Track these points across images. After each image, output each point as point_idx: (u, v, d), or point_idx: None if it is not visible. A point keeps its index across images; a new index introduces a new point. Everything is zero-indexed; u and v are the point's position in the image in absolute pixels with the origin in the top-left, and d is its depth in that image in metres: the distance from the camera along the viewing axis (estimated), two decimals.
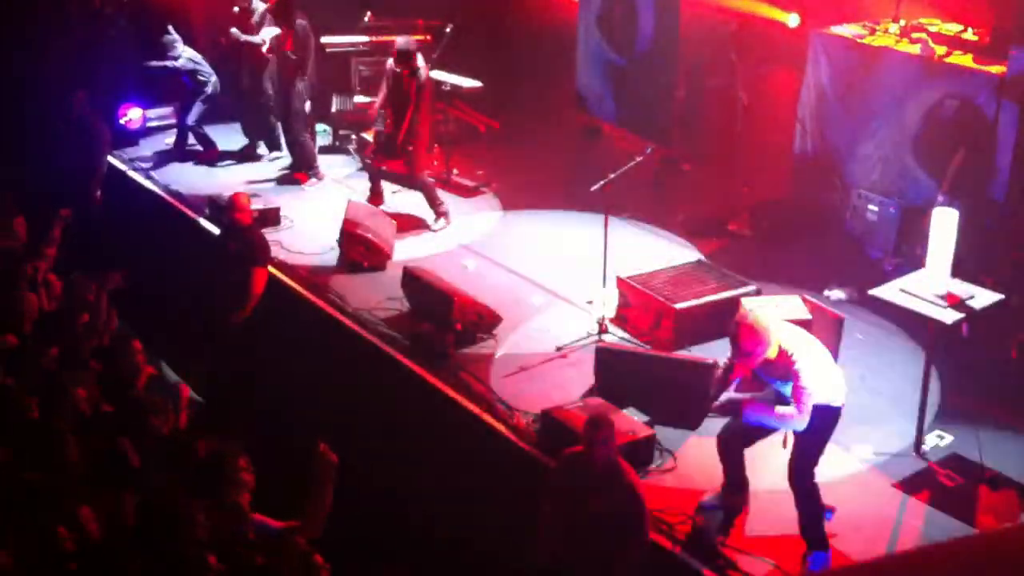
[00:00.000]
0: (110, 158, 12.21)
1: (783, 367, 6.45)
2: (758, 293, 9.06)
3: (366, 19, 13.34)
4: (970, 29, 10.31)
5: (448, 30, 12.34)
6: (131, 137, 13.03)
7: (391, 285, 9.74)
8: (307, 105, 11.91)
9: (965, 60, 9.86)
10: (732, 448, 7.02)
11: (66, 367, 7.34)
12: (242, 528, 5.87)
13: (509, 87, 12.82)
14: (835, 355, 7.54)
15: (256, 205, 10.45)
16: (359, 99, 12.87)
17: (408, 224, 11.03)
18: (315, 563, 5.56)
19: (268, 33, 11.94)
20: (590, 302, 9.45)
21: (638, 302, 9.13)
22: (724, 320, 7.03)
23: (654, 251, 10.42)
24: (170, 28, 12.51)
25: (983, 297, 7.62)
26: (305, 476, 6.02)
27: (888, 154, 10.30)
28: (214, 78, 12.59)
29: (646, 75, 12.40)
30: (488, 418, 8.07)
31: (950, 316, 7.42)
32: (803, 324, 7.42)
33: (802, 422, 6.46)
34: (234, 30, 12.11)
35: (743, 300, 8.64)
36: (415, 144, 10.86)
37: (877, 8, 11.02)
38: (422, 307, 9.31)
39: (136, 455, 6.29)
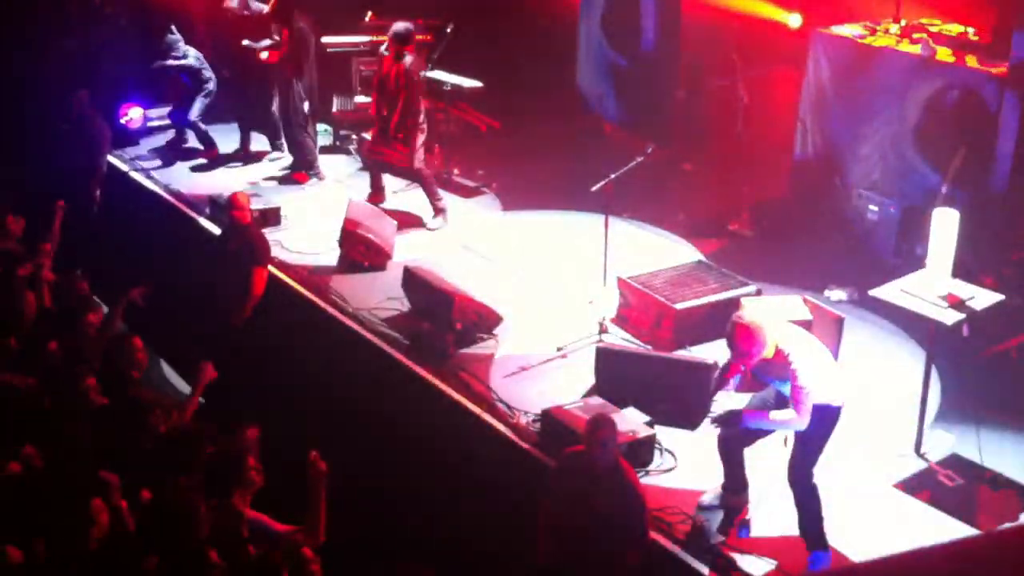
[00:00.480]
0: (110, 157, 12.21)
1: (781, 367, 6.45)
2: (758, 293, 9.06)
3: (367, 19, 13.34)
4: (971, 30, 10.30)
5: (448, 30, 12.33)
6: (131, 136, 13.03)
7: (391, 285, 9.73)
8: (305, 105, 11.91)
9: (967, 61, 9.86)
10: (732, 448, 7.02)
11: (70, 364, 7.36)
12: (236, 525, 5.88)
13: (510, 87, 12.82)
14: (835, 355, 7.55)
15: (257, 205, 10.46)
16: (360, 99, 12.87)
17: (409, 223, 11.03)
18: (307, 559, 5.58)
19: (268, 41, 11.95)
20: (591, 302, 9.45)
21: (638, 302, 9.12)
22: (724, 321, 7.02)
23: (654, 251, 10.42)
24: (173, 28, 12.52)
25: (983, 297, 7.62)
26: (302, 479, 6.03)
27: (889, 154, 10.29)
28: (213, 76, 12.60)
29: (647, 76, 12.42)
30: (488, 418, 8.06)
31: (950, 316, 7.41)
32: (803, 324, 7.42)
33: (802, 423, 6.46)
34: (246, 41, 12.08)
35: (743, 300, 8.64)
36: (409, 133, 10.84)
37: (878, 8, 11.02)
38: (422, 307, 9.31)
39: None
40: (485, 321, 9.05)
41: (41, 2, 12.88)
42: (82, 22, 12.90)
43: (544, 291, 9.83)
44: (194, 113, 12.58)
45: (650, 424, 7.70)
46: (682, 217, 11.27)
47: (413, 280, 9.43)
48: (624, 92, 12.71)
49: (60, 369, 7.25)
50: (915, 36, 10.33)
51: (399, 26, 10.88)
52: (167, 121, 13.27)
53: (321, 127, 12.96)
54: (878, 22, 10.82)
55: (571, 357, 8.81)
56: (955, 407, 8.14)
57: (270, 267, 9.52)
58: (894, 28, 10.61)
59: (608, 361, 8.29)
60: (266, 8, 12.09)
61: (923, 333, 7.97)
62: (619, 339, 8.99)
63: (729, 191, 11.59)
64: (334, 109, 13.03)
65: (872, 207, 10.30)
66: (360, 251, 10.22)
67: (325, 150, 12.73)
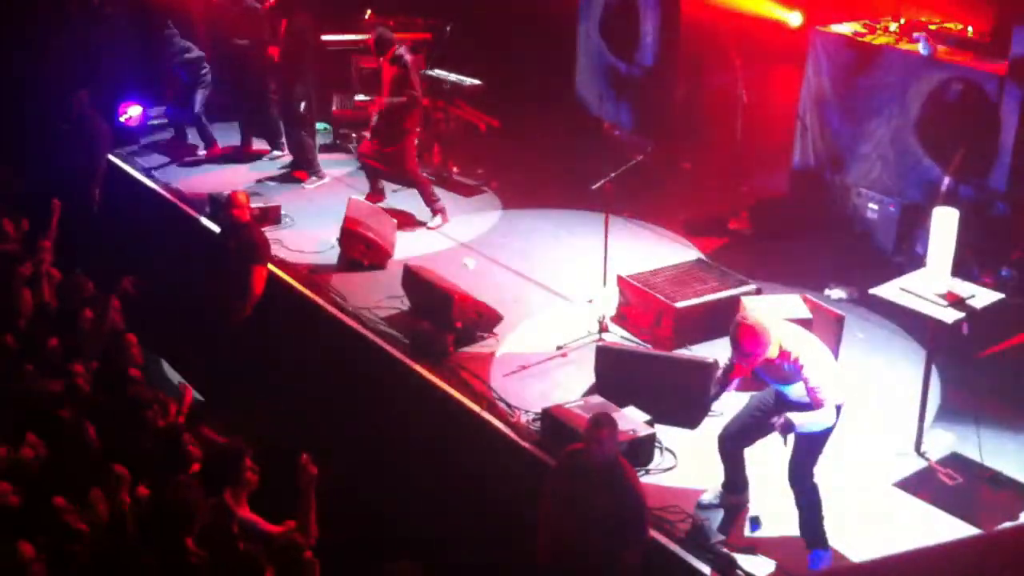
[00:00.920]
0: (110, 156, 12.21)
1: (784, 368, 6.45)
2: (758, 292, 9.06)
3: (366, 17, 13.33)
4: (970, 28, 10.30)
5: (448, 28, 12.32)
6: (131, 135, 13.03)
7: (391, 283, 9.74)
8: (303, 104, 11.90)
9: (966, 59, 9.87)
10: (732, 447, 7.02)
11: (69, 361, 7.39)
12: (227, 523, 5.90)
13: (510, 85, 12.82)
14: (835, 354, 7.55)
15: (257, 203, 10.46)
16: (359, 97, 12.87)
17: (409, 222, 11.03)
18: (306, 559, 5.60)
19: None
20: (591, 301, 9.45)
21: (638, 301, 9.12)
22: (724, 319, 7.02)
23: (654, 250, 10.42)
24: (169, 23, 12.52)
25: (983, 296, 7.62)
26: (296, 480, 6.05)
27: (889, 152, 10.29)
28: (208, 67, 12.62)
29: (647, 78, 12.42)
30: (488, 417, 8.06)
31: (950, 315, 7.42)
32: (803, 323, 7.42)
33: (832, 418, 6.46)
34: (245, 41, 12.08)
35: (744, 299, 8.64)
36: (404, 137, 10.84)
37: (877, 7, 11.02)
38: (422, 305, 9.31)
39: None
40: (485, 320, 9.05)
41: (41, 2, 12.87)
42: (82, 22, 12.88)
43: (544, 290, 9.83)
44: (197, 106, 12.59)
45: (650, 423, 7.70)
46: (682, 216, 11.25)
47: (413, 279, 9.43)
48: (624, 94, 12.71)
49: (59, 364, 7.29)
50: (915, 35, 10.33)
51: (376, 33, 10.92)
52: (167, 119, 13.28)
53: (321, 125, 12.96)
54: (877, 20, 10.82)
55: (571, 356, 8.81)
56: (955, 405, 8.14)
57: (270, 266, 9.51)
58: (893, 26, 10.61)
59: (608, 360, 8.29)
60: (257, 4, 12.10)
61: (923, 332, 7.97)
62: (619, 338, 8.99)
63: (729, 190, 11.60)
64: (334, 108, 13.02)
65: (872, 205, 10.31)
66: (360, 250, 10.22)
67: (325, 148, 12.73)
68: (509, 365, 8.70)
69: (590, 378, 8.36)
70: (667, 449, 7.69)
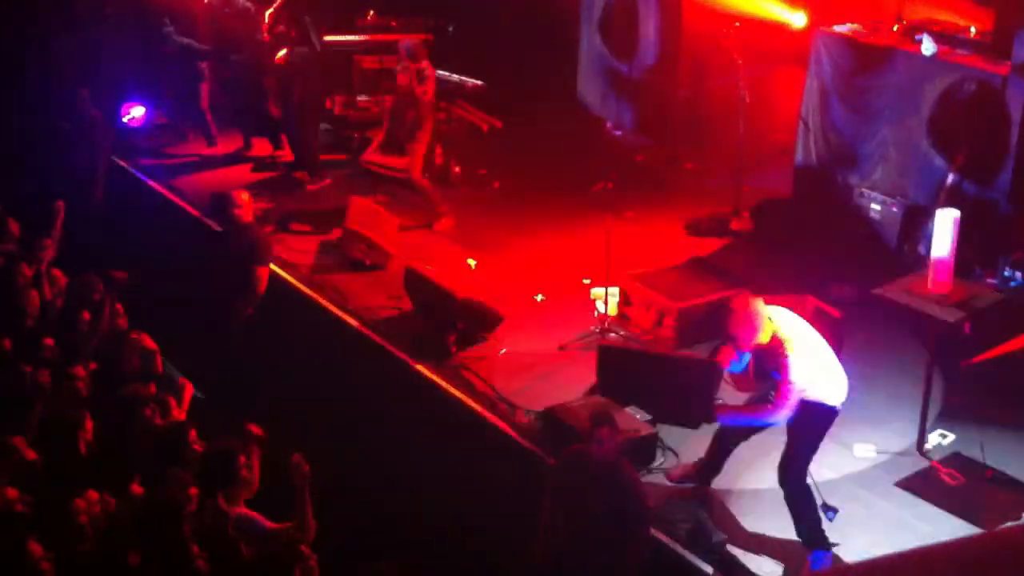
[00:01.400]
0: (112, 156, 12.21)
1: (775, 356, 6.44)
2: (760, 292, 9.03)
3: (368, 17, 13.34)
4: (973, 27, 10.29)
5: (450, 29, 12.32)
6: (134, 135, 13.04)
7: (393, 284, 9.74)
8: (303, 105, 11.91)
9: (972, 59, 9.86)
10: (726, 437, 7.09)
11: (69, 362, 7.39)
12: (220, 524, 5.89)
13: (512, 86, 12.81)
14: (837, 354, 7.53)
15: (258, 204, 10.46)
16: (361, 98, 12.86)
17: (410, 222, 11.02)
18: (305, 557, 5.59)
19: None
20: (591, 300, 9.44)
21: (640, 301, 9.12)
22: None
23: (656, 250, 10.41)
24: (167, 20, 12.54)
25: (985, 296, 7.61)
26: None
27: (892, 152, 10.28)
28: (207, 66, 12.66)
29: (648, 80, 12.41)
30: (490, 416, 8.06)
31: (952, 314, 7.40)
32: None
33: (778, 417, 6.45)
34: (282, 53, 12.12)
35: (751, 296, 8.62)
36: (415, 144, 10.85)
37: (880, 7, 11.00)
38: (424, 305, 9.30)
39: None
40: (487, 320, 9.04)
41: (43, 1, 12.88)
42: (84, 21, 12.89)
43: (545, 290, 9.82)
44: (203, 100, 12.61)
45: (651, 422, 7.70)
46: (684, 216, 11.25)
47: (415, 279, 9.42)
48: (625, 94, 12.70)
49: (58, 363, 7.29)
50: (916, 35, 10.31)
51: (409, 42, 10.89)
52: (168, 120, 13.28)
53: (322, 126, 12.96)
54: (880, 20, 10.81)
55: (573, 356, 8.80)
56: (957, 405, 8.12)
57: (271, 266, 9.51)
58: (895, 27, 10.60)
59: (610, 359, 8.27)
60: (250, 5, 12.11)
61: (925, 331, 7.95)
62: (621, 337, 8.98)
63: (731, 190, 11.58)
64: (336, 108, 13.02)
65: (874, 206, 10.29)
66: (362, 250, 10.22)
67: (327, 149, 12.73)
68: (510, 365, 8.69)
69: (591, 378, 8.35)
70: (668, 448, 7.68)
